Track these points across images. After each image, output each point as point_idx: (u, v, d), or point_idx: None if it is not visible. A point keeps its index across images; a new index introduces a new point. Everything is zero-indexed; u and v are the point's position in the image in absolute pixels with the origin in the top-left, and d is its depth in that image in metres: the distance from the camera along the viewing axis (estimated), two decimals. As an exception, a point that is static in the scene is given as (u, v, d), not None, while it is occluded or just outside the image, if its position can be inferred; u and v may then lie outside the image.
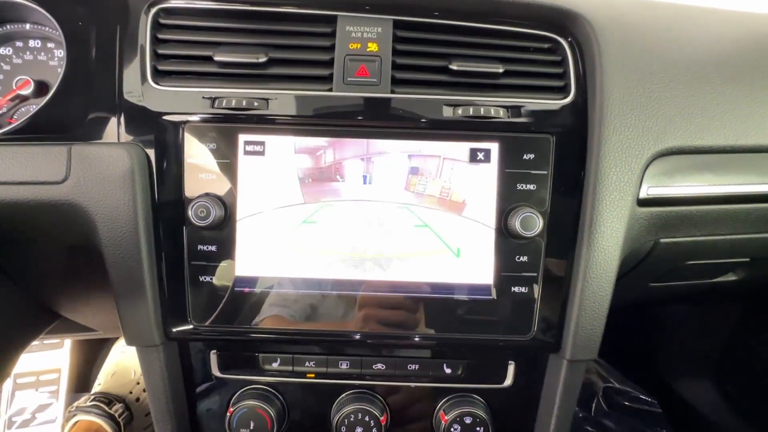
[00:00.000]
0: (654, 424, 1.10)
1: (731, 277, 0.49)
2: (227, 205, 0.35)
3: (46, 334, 0.87)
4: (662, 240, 0.39)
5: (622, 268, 0.41)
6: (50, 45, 0.39)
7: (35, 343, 1.03)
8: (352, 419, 0.36)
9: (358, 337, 0.36)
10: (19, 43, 0.39)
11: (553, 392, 0.36)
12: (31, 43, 0.39)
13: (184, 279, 0.35)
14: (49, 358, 1.03)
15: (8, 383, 1.00)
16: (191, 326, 0.35)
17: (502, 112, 0.34)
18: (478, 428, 0.36)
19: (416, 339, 0.36)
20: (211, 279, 0.35)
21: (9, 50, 0.39)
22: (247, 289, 0.35)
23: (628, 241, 0.35)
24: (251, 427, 0.36)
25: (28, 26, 0.38)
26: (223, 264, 0.35)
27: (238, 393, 0.37)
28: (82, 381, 1.07)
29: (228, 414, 0.36)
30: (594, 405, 1.15)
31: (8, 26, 0.39)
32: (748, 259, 0.44)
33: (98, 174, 0.33)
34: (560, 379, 0.36)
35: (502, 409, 0.38)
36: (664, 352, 1.07)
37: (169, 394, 0.36)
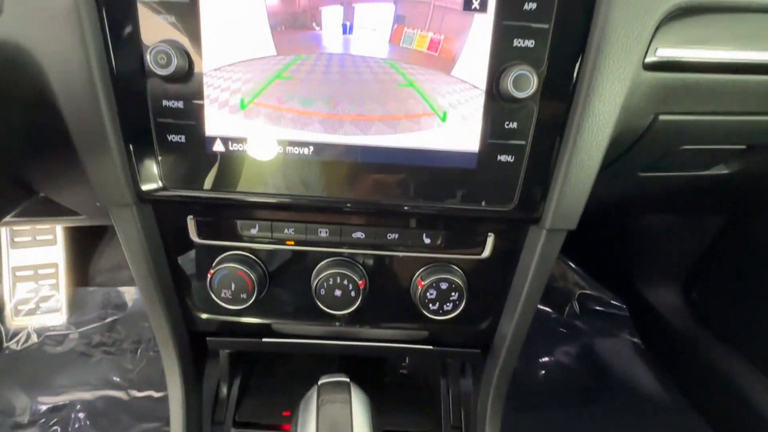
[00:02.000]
0: (620, 326, 1.20)
1: (723, 170, 0.48)
2: (190, 55, 0.31)
3: (32, 219, 0.87)
4: (661, 117, 0.37)
5: (616, 150, 0.39)
6: None
7: (27, 238, 1.04)
8: (330, 283, 0.36)
9: (335, 203, 0.35)
10: None
11: (529, 262, 0.37)
12: None
13: (151, 136, 0.32)
14: (44, 253, 1.05)
15: (7, 276, 1.04)
16: (162, 187, 0.34)
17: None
18: (453, 294, 0.37)
19: (396, 208, 0.35)
20: (179, 138, 0.33)
21: None
22: (217, 151, 0.33)
23: (626, 111, 0.33)
24: (232, 289, 0.37)
25: None
26: (191, 122, 0.33)
27: (219, 258, 0.38)
28: (80, 274, 1.11)
29: (209, 276, 0.36)
30: (567, 308, 1.24)
31: None
32: (744, 147, 0.43)
33: (37, 7, 0.28)
34: (537, 248, 0.36)
35: (478, 278, 0.39)
36: (638, 262, 1.13)
37: (149, 257, 0.36)
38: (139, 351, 1.04)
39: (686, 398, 1.05)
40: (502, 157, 0.34)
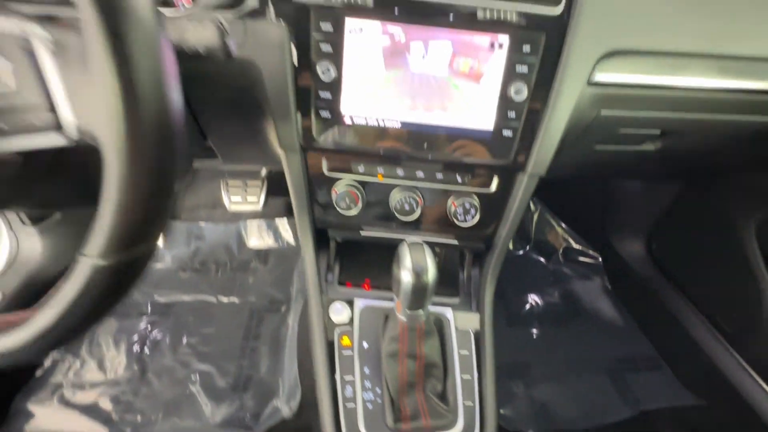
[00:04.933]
0: (594, 272, 1.48)
1: (650, 147, 0.73)
2: (338, 68, 0.57)
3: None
4: (602, 111, 0.62)
5: (575, 131, 0.64)
6: None
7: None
8: (401, 199, 0.64)
9: (409, 155, 0.61)
10: None
11: (516, 194, 0.64)
12: None
13: (311, 113, 0.59)
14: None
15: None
16: (314, 141, 0.61)
17: (515, 15, 0.54)
18: (471, 210, 0.64)
19: (442, 159, 0.62)
20: (327, 114, 0.59)
21: None
22: (346, 123, 0.60)
23: (577, 108, 0.58)
24: (347, 201, 0.64)
25: None
26: (334, 106, 0.59)
27: (337, 183, 0.65)
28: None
29: (333, 193, 0.64)
30: (553, 257, 1.52)
31: None
32: (659, 132, 0.68)
33: (263, 41, 0.54)
34: (522, 186, 0.63)
35: (487, 203, 0.65)
36: (611, 220, 1.39)
37: (302, 182, 0.64)
38: (219, 271, 1.35)
39: (639, 327, 1.34)
40: (505, 132, 0.60)
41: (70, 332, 0.30)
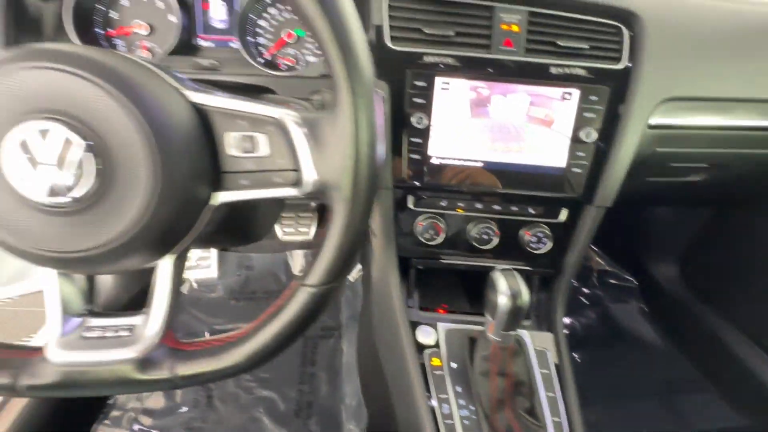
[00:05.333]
0: (629, 295, 1.52)
1: (695, 178, 0.81)
2: (429, 117, 0.65)
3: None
4: (657, 149, 0.70)
5: (633, 166, 0.72)
6: None
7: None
8: (479, 230, 0.71)
9: (487, 190, 0.69)
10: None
11: (584, 224, 0.71)
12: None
13: (402, 154, 0.67)
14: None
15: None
16: (402, 180, 0.68)
17: (583, 71, 0.63)
18: (544, 239, 0.71)
19: (518, 193, 0.69)
20: (418, 157, 0.67)
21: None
22: (434, 163, 0.68)
23: (639, 146, 0.66)
24: (430, 232, 0.71)
25: None
26: (423, 148, 0.67)
27: (422, 216, 0.72)
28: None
29: (419, 225, 0.71)
30: (589, 281, 1.57)
31: None
32: (706, 165, 0.76)
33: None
34: (589, 216, 0.70)
35: (557, 233, 0.73)
36: (646, 244, 1.44)
37: (389, 216, 0.71)
38: (270, 299, 1.41)
39: (676, 347, 1.37)
40: (575, 170, 0.67)
41: (280, 348, 0.37)
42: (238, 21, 0.66)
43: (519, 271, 0.68)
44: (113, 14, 0.66)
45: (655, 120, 0.65)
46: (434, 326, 0.72)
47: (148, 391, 0.36)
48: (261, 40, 0.69)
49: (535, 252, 0.72)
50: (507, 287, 0.57)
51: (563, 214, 0.72)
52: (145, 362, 0.35)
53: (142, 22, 0.66)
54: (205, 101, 0.33)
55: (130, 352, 0.35)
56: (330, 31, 0.31)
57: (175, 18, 0.66)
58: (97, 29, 0.65)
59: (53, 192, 0.29)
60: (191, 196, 0.33)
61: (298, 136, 0.33)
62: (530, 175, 0.68)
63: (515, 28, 0.62)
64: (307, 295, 0.36)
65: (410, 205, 0.72)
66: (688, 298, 1.34)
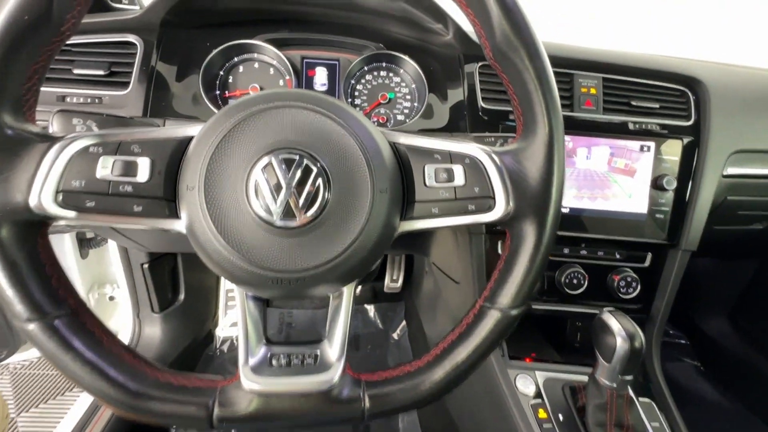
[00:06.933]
0: (682, 353, 1.47)
1: (758, 226, 0.85)
2: None
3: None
4: (728, 197, 0.75)
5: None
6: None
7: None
8: (569, 274, 0.72)
9: (574, 236, 0.72)
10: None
11: (671, 267, 0.73)
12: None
13: None
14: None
15: (223, 298, 1.39)
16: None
17: (657, 127, 0.70)
18: (633, 283, 0.72)
19: (604, 238, 0.72)
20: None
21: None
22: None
23: (715, 194, 0.71)
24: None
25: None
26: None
27: None
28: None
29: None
30: (637, 337, 1.52)
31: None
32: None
33: None
34: (676, 261, 0.72)
35: (644, 277, 0.74)
36: (694, 300, 1.44)
37: (483, 259, 0.73)
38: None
39: (740, 402, 1.29)
40: (658, 216, 0.71)
41: (471, 370, 0.36)
42: (342, 84, 0.74)
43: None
44: (231, 79, 0.74)
45: (728, 170, 0.71)
46: (532, 376, 0.70)
47: (338, 421, 0.35)
48: (357, 101, 0.77)
49: (624, 297, 0.73)
50: (621, 328, 0.58)
51: (648, 259, 0.74)
52: (338, 391, 0.35)
53: (256, 84, 0.74)
54: (404, 141, 0.38)
55: (323, 379, 0.35)
56: (536, 79, 0.36)
57: (282, 81, 0.74)
58: (217, 92, 0.73)
59: (287, 214, 0.32)
60: (389, 222, 0.36)
61: (491, 168, 0.37)
62: (615, 221, 0.72)
63: (593, 90, 0.70)
64: (500, 315, 0.36)
65: (500, 250, 0.74)
66: (745, 351, 1.30)
